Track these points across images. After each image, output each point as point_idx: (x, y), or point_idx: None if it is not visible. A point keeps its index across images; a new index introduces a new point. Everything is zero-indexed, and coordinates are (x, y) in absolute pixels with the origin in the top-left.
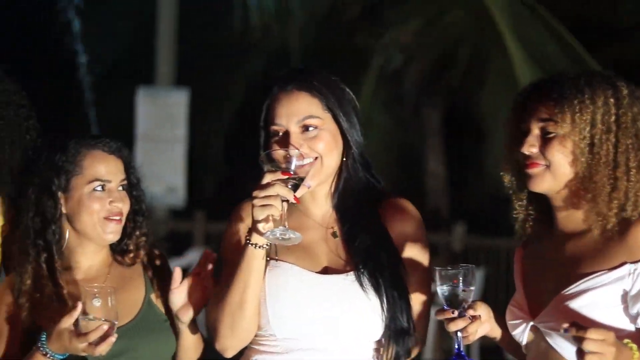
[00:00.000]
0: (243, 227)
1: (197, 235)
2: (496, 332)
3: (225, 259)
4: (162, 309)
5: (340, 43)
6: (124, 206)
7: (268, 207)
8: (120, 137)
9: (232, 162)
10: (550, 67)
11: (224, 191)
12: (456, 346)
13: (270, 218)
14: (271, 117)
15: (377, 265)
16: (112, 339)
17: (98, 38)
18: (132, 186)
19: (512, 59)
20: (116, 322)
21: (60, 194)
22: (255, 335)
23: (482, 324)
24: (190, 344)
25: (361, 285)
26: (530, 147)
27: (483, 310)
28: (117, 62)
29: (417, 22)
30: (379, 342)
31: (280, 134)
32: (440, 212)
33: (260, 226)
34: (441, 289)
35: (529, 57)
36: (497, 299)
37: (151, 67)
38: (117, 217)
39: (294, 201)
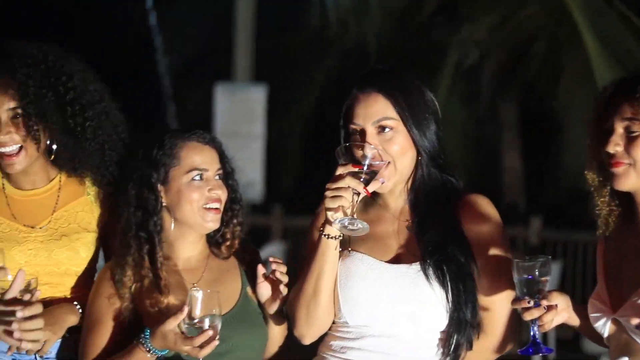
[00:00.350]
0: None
1: (275, 229)
2: (575, 321)
3: (305, 257)
4: (256, 302)
5: (416, 39)
6: (222, 194)
7: (338, 198)
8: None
9: (308, 157)
10: (628, 63)
11: (301, 186)
12: (532, 334)
13: (341, 209)
14: (350, 117)
15: (444, 257)
16: (216, 342)
17: (177, 34)
18: (227, 175)
19: (589, 53)
20: (219, 325)
21: (159, 186)
22: (333, 323)
23: (559, 314)
24: (276, 334)
25: (425, 275)
26: (615, 146)
27: (560, 300)
28: (196, 58)
29: (492, 17)
30: (444, 331)
31: (358, 133)
32: (517, 207)
33: (330, 214)
34: (518, 280)
35: (606, 52)
36: (573, 292)
37: (229, 63)
38: (216, 206)
39: (364, 193)
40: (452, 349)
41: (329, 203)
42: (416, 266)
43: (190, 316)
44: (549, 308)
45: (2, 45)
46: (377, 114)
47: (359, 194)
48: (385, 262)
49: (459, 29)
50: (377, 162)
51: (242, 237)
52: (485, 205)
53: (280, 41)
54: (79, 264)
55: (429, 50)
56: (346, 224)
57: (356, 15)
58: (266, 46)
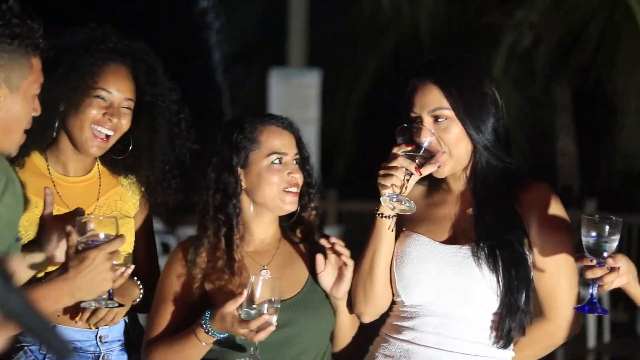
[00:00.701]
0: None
1: (330, 214)
2: (635, 290)
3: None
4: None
5: (470, 22)
6: (300, 178)
7: (390, 176)
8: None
9: (362, 142)
10: None
11: (355, 170)
12: (590, 293)
13: (392, 187)
14: (409, 105)
15: (497, 242)
16: (272, 328)
17: (230, 19)
18: (304, 160)
19: None
20: (277, 311)
21: (239, 169)
22: (393, 303)
23: (620, 276)
24: (346, 319)
25: (477, 258)
26: None
27: (623, 263)
28: (250, 44)
29: (546, 0)
30: (496, 314)
31: (416, 120)
32: (572, 190)
33: (381, 191)
34: (585, 237)
35: None
36: None
37: (283, 48)
38: (295, 190)
39: (416, 173)
40: (504, 332)
41: (381, 180)
42: (469, 248)
43: (249, 300)
44: (612, 269)
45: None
46: (431, 103)
47: (411, 174)
48: (440, 242)
49: (513, 12)
50: (433, 148)
51: (317, 221)
52: (546, 192)
53: (334, 26)
54: (126, 248)
55: (483, 33)
56: (394, 199)
57: None
58: (320, 31)
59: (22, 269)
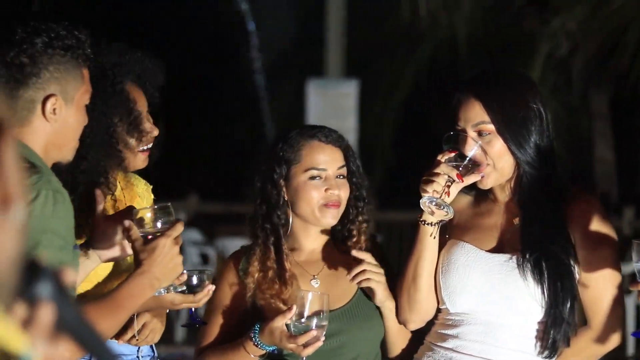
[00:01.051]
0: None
1: None
2: None
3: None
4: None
5: (507, 30)
6: (341, 193)
7: (431, 182)
8: (292, 128)
9: (400, 151)
10: None
11: (393, 180)
12: None
13: (433, 193)
14: (455, 119)
15: (543, 253)
16: (320, 343)
17: (266, 30)
18: (352, 173)
19: None
20: (325, 326)
21: (281, 182)
22: (439, 311)
23: None
24: (394, 327)
25: (522, 269)
26: None
27: None
28: (287, 53)
29: (583, 8)
30: (541, 323)
31: (460, 134)
32: (609, 197)
33: (425, 198)
34: (637, 263)
35: None
36: None
37: (320, 57)
38: (334, 205)
39: (457, 179)
40: (549, 343)
41: (422, 185)
42: (514, 258)
43: (299, 315)
44: None
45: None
46: (474, 118)
47: (453, 181)
48: (486, 251)
49: (549, 20)
50: (479, 158)
51: (368, 233)
52: (592, 206)
53: (371, 35)
54: None
55: (520, 41)
56: (432, 203)
57: (447, 7)
58: (357, 40)
59: (81, 274)
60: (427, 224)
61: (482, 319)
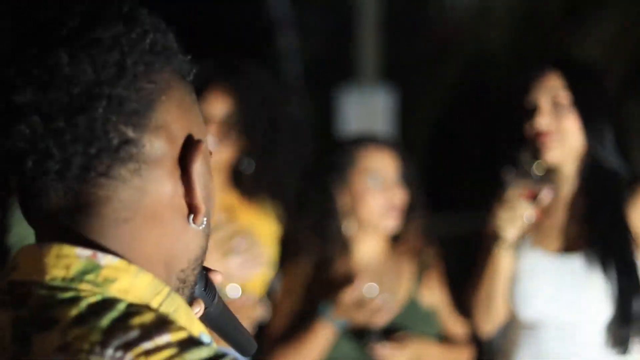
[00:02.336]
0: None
1: None
2: None
3: (480, 257)
4: (431, 301)
5: (541, 40)
6: (400, 197)
7: (511, 225)
8: (324, 135)
9: (437, 160)
10: None
11: (431, 187)
12: None
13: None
14: (526, 93)
15: (610, 249)
16: (388, 316)
17: (299, 35)
18: (406, 178)
19: None
20: (391, 305)
21: (338, 188)
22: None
23: None
24: (454, 331)
25: (590, 267)
26: None
27: None
28: (320, 60)
29: (618, 18)
30: (612, 323)
31: (532, 109)
32: None
33: (504, 236)
34: None
35: None
36: None
37: (354, 64)
38: (394, 209)
39: (533, 218)
40: (622, 340)
41: (505, 228)
42: (582, 258)
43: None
44: None
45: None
46: (552, 88)
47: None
48: (552, 251)
49: (584, 31)
50: (545, 188)
51: (423, 238)
52: None
53: (406, 43)
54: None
55: (555, 50)
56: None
57: (482, 16)
58: (392, 48)
59: None
60: (504, 251)
61: (552, 322)
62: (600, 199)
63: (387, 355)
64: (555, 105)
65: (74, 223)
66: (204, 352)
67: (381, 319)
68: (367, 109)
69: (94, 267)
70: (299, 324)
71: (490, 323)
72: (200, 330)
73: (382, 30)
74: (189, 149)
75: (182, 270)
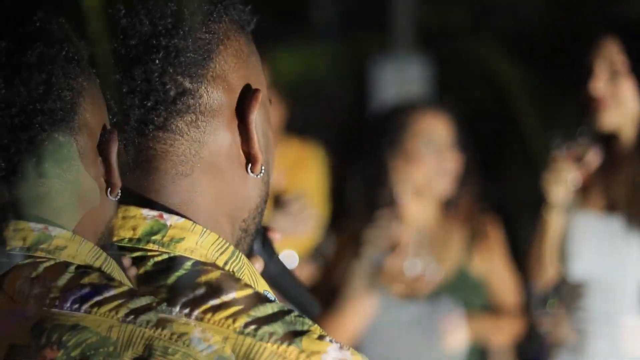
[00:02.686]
0: None
1: None
2: None
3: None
4: (482, 270)
5: (579, 12)
6: (454, 162)
7: (559, 185)
8: (358, 103)
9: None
10: None
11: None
12: None
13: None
14: (588, 55)
15: None
16: (430, 285)
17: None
18: (460, 143)
19: None
20: (435, 272)
21: (390, 153)
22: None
23: None
24: (505, 299)
25: (630, 226)
26: None
27: None
28: (353, 26)
29: None
30: None
31: (595, 72)
32: None
33: (553, 197)
34: None
35: None
36: None
37: (390, 33)
38: (448, 174)
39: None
40: None
41: (549, 187)
42: (628, 218)
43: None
44: None
45: None
46: (608, 55)
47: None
48: (599, 211)
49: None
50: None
51: (477, 205)
52: None
53: (441, 14)
54: None
55: (591, 28)
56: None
57: None
58: (427, 18)
59: None
60: (550, 204)
61: (598, 281)
62: None
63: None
64: (612, 70)
65: (135, 180)
66: (269, 308)
67: (423, 291)
68: (401, 77)
69: (161, 228)
70: (344, 290)
71: (542, 274)
72: (264, 288)
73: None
74: (247, 98)
75: (244, 220)
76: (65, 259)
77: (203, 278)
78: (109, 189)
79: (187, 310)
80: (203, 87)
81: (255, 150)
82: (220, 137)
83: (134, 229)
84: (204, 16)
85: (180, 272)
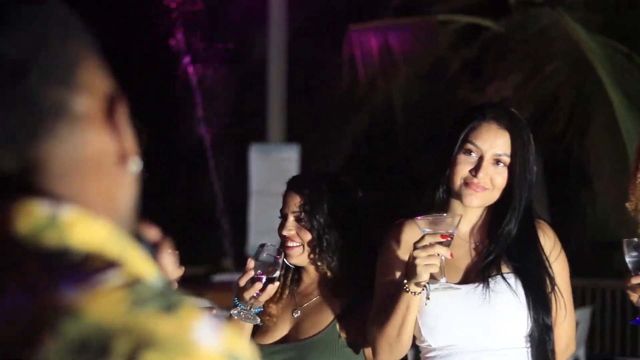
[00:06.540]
0: (397, 248)
1: None
2: None
3: (379, 275)
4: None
5: (442, 98)
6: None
7: (431, 266)
8: (236, 192)
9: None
10: None
11: None
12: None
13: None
14: (472, 138)
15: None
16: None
17: (211, 96)
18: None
19: (614, 106)
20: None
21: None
22: (418, 345)
23: None
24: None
25: (506, 287)
26: None
27: None
28: (230, 120)
29: (517, 75)
30: (527, 336)
31: (473, 155)
32: None
33: (422, 281)
34: (629, 258)
35: (629, 104)
36: (602, 334)
37: (261, 126)
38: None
39: (450, 257)
40: (538, 352)
41: (422, 272)
42: (480, 286)
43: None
44: None
45: None
46: (501, 148)
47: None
48: (456, 283)
49: (484, 88)
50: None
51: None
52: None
53: (310, 103)
54: None
55: (455, 108)
56: (439, 287)
57: (384, 75)
58: (297, 107)
59: None
60: (417, 293)
61: (468, 347)
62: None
63: None
64: (498, 162)
65: (28, 185)
66: (150, 286)
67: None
68: (274, 166)
69: (54, 219)
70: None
71: (393, 357)
72: (153, 273)
73: (287, 91)
74: (113, 101)
75: (121, 216)
76: (74, 243)
77: (92, 263)
78: (126, 160)
79: (72, 290)
80: (76, 95)
81: (127, 148)
82: (98, 138)
83: (31, 221)
84: (68, 30)
85: (71, 259)
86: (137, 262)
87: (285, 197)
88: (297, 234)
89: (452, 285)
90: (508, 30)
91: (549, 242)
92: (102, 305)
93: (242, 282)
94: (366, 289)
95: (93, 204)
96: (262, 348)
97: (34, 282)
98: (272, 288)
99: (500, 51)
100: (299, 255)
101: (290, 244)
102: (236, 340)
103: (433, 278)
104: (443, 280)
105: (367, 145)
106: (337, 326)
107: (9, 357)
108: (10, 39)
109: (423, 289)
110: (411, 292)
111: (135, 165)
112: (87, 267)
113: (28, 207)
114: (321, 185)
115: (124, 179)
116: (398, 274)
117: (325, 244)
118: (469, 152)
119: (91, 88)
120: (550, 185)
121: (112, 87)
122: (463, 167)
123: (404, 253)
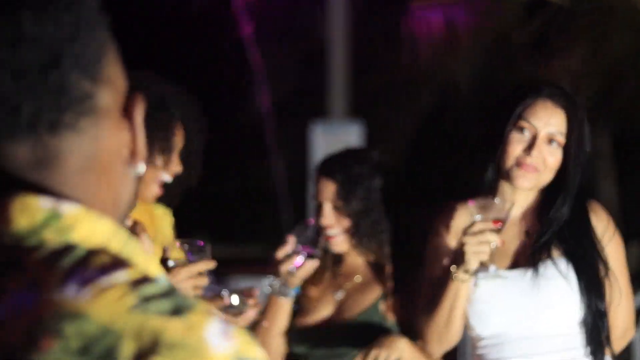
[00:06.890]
0: (447, 234)
1: None
2: None
3: (428, 261)
4: None
5: (508, 72)
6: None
7: (481, 254)
8: (295, 171)
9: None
10: None
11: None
12: None
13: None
14: (526, 115)
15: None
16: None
17: (270, 72)
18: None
19: None
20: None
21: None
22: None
23: None
24: None
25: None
26: None
27: None
28: (291, 96)
29: (582, 49)
30: (581, 322)
31: (527, 133)
32: None
33: (471, 268)
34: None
35: None
36: None
37: (324, 100)
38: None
39: (500, 245)
40: (591, 338)
41: (472, 260)
42: (540, 269)
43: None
44: None
45: None
46: (555, 126)
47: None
48: (507, 268)
49: (550, 61)
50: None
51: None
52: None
53: (374, 79)
54: None
55: (521, 82)
56: (489, 276)
57: (447, 51)
58: (360, 85)
59: None
60: (466, 281)
61: (519, 334)
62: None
63: None
64: (551, 141)
65: (39, 176)
66: (157, 287)
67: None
68: (337, 143)
69: (56, 216)
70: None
71: (444, 347)
72: (157, 272)
73: (350, 67)
74: (131, 99)
75: (121, 214)
76: (76, 239)
77: (96, 260)
78: (133, 160)
79: (78, 289)
80: (100, 89)
81: (140, 148)
82: (113, 135)
83: (31, 217)
84: (96, 23)
85: (74, 257)
86: (142, 260)
87: (318, 185)
88: (336, 222)
89: (502, 271)
90: (573, 2)
91: (601, 224)
92: (107, 306)
93: (280, 255)
94: (409, 271)
95: (102, 201)
96: (306, 330)
97: (36, 281)
98: (311, 265)
99: (564, 24)
100: (341, 243)
101: (330, 232)
102: (247, 344)
103: (482, 265)
104: (492, 267)
105: (433, 122)
106: (380, 308)
107: (12, 358)
108: (48, 25)
109: (472, 277)
110: (460, 280)
111: (142, 167)
112: (92, 266)
113: (27, 202)
114: (354, 167)
115: (129, 178)
116: (447, 261)
117: (364, 228)
118: (522, 129)
119: (113, 83)
120: (620, 164)
121: (127, 84)
122: (516, 146)
123: (453, 239)
